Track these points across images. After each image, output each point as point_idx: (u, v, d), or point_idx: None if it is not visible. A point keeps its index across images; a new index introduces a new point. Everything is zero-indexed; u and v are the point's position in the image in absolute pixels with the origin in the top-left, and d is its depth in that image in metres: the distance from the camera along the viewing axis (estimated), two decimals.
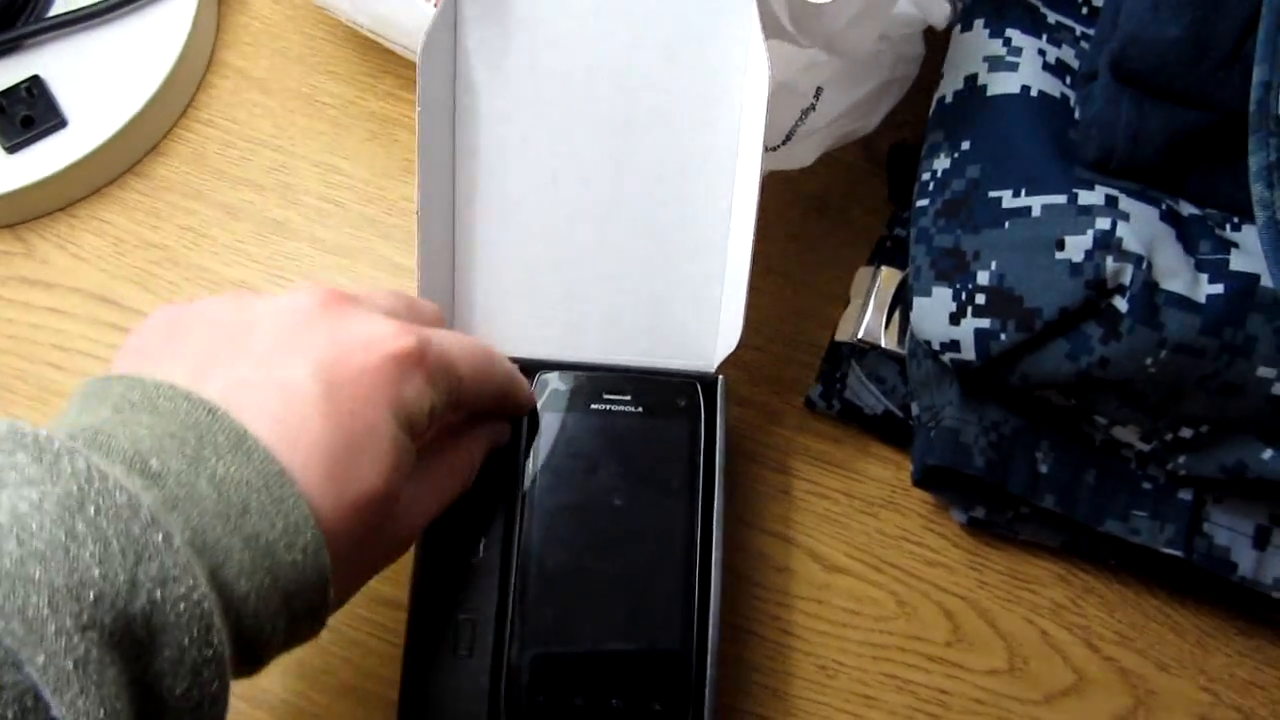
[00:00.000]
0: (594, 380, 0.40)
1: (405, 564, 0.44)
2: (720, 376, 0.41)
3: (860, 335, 0.46)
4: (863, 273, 0.48)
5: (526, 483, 0.39)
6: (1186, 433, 0.40)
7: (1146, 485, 0.43)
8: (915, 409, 0.45)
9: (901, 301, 0.46)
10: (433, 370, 0.31)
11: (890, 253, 0.48)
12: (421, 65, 0.36)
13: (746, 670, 0.44)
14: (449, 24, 0.38)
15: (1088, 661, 0.45)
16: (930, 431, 0.43)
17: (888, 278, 0.47)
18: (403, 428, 0.30)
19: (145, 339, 0.31)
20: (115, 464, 0.25)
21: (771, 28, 0.39)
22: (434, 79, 0.37)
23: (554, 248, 0.41)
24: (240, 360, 0.29)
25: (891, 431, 0.47)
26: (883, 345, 0.46)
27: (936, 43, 0.48)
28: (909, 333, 0.45)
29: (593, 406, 0.40)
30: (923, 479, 0.44)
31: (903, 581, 0.46)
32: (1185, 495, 0.42)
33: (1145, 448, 0.41)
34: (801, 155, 0.46)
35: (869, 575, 0.46)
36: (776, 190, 0.51)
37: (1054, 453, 0.43)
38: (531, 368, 0.40)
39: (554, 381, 0.40)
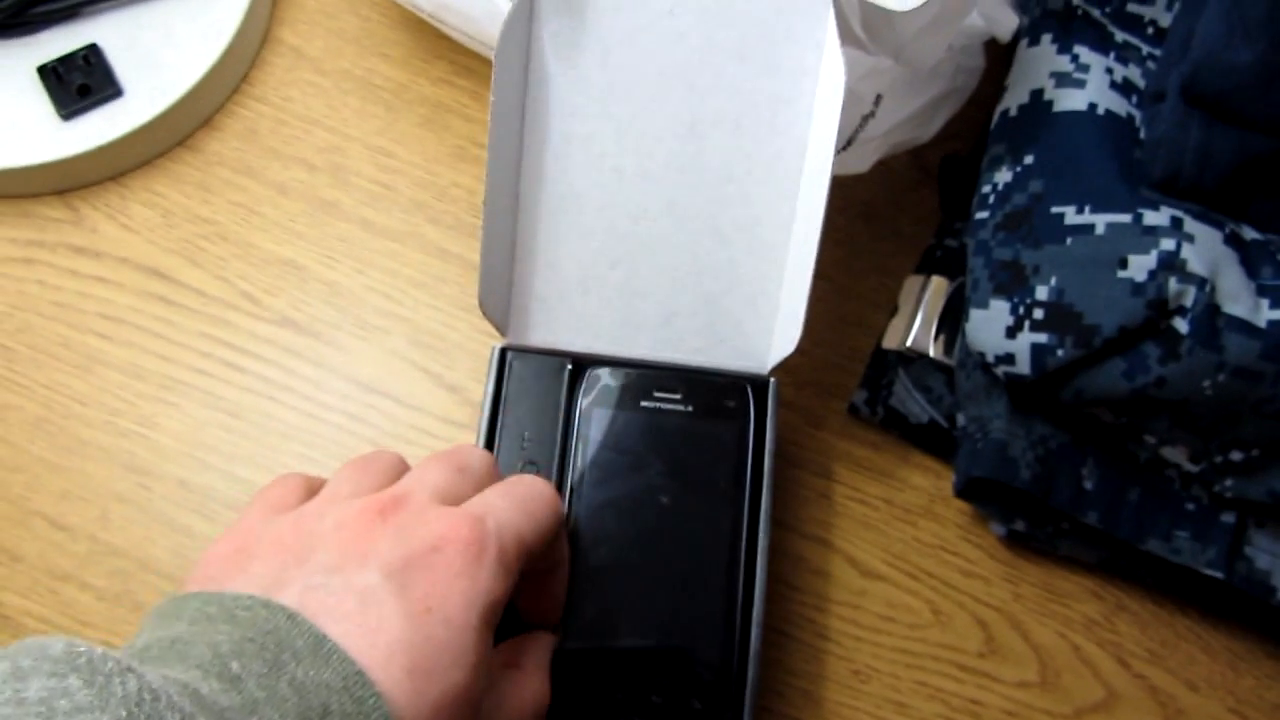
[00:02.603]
0: (645, 377, 0.40)
1: None
2: (772, 379, 0.41)
3: (909, 344, 0.46)
4: (912, 281, 0.48)
5: (574, 477, 0.39)
6: (1237, 456, 0.40)
7: (1189, 506, 0.43)
8: (962, 420, 0.45)
9: (950, 312, 0.47)
10: (503, 554, 0.31)
11: (939, 263, 0.48)
12: (498, 54, 0.36)
13: (781, 672, 0.44)
14: (526, 14, 0.38)
15: (1118, 678, 0.45)
16: (977, 443, 0.43)
17: (938, 287, 0.47)
18: (481, 621, 0.30)
19: (212, 565, 0.31)
20: (192, 669, 0.25)
21: (842, 33, 0.39)
22: (508, 69, 0.37)
23: (614, 243, 0.41)
24: (311, 573, 0.29)
25: (934, 441, 0.47)
26: (931, 355, 0.46)
27: (993, 56, 0.48)
28: (959, 343, 0.45)
29: (643, 404, 0.40)
30: (964, 490, 0.44)
31: (938, 590, 0.46)
32: (1228, 518, 0.42)
33: (1193, 469, 0.41)
34: (858, 162, 0.46)
35: (905, 583, 0.46)
36: None
37: (1099, 469, 0.43)
38: (584, 362, 0.41)
39: (605, 377, 0.40)
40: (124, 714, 0.22)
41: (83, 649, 0.24)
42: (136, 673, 0.23)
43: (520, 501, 0.33)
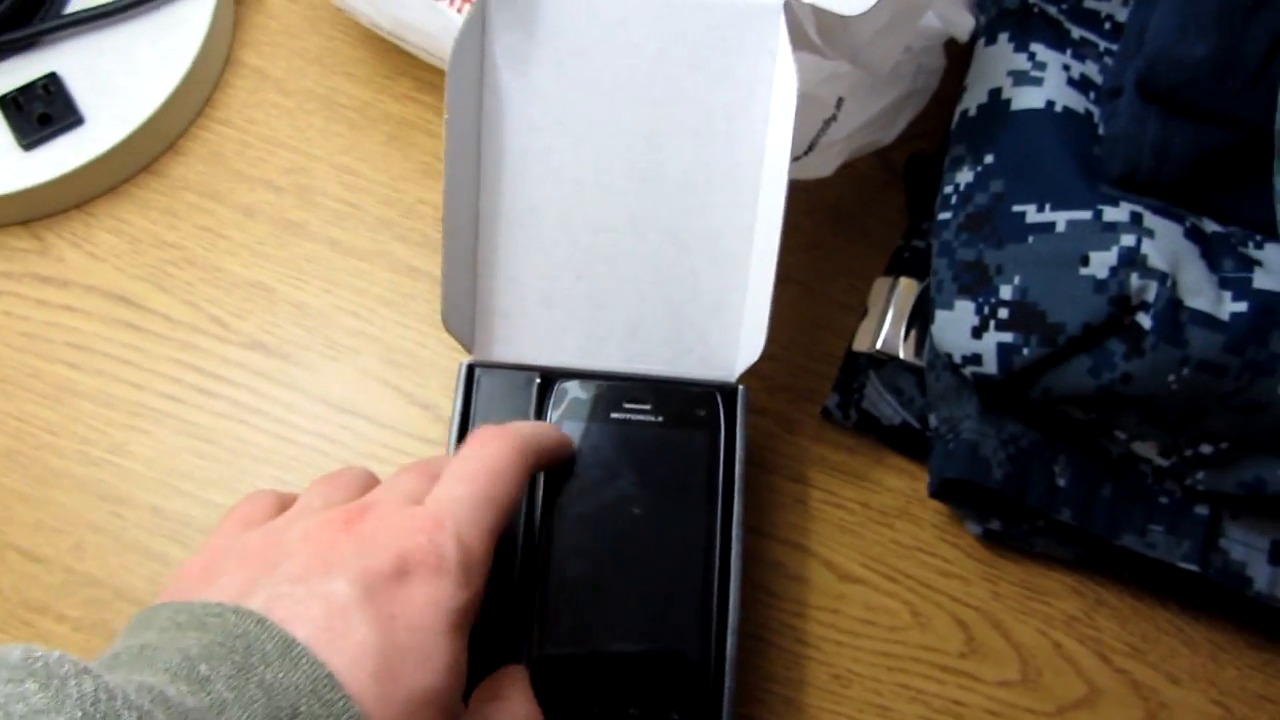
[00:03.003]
0: (614, 389, 0.40)
1: None
2: (741, 386, 0.41)
3: (879, 346, 0.46)
4: (880, 283, 0.48)
5: (546, 491, 0.39)
6: (1206, 449, 0.40)
7: (1163, 500, 0.43)
8: (933, 421, 0.45)
9: (920, 313, 0.47)
10: (466, 559, 0.31)
11: (908, 264, 0.48)
12: (450, 71, 0.36)
13: (761, 679, 0.44)
14: (478, 30, 0.38)
15: (1100, 673, 0.45)
16: (949, 444, 0.43)
17: (906, 288, 0.47)
18: (449, 625, 0.30)
19: (183, 581, 0.31)
20: (160, 673, 0.25)
21: (797, 39, 0.39)
22: (462, 85, 0.37)
23: (577, 256, 0.41)
24: (278, 582, 0.29)
25: (908, 443, 0.47)
26: (901, 356, 0.46)
27: (955, 55, 0.49)
28: (928, 345, 0.45)
29: (613, 415, 0.40)
30: (939, 491, 0.44)
31: (917, 592, 0.46)
32: (1202, 510, 0.42)
33: (1164, 463, 0.41)
34: (822, 166, 0.46)
35: (883, 585, 0.46)
36: (793, 200, 0.50)
37: (1071, 467, 0.43)
38: (552, 376, 0.40)
39: (574, 390, 0.40)
40: (79, 714, 0.22)
41: (39, 654, 0.24)
42: (93, 674, 0.23)
43: (480, 486, 0.33)
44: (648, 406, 0.40)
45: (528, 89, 0.39)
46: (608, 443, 0.39)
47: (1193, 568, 0.42)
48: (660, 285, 0.41)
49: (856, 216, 0.52)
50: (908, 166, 0.51)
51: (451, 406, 0.41)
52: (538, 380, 0.40)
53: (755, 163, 0.40)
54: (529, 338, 0.42)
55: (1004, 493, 0.42)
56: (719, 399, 0.40)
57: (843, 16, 0.38)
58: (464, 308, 0.41)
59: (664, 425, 0.40)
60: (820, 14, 0.38)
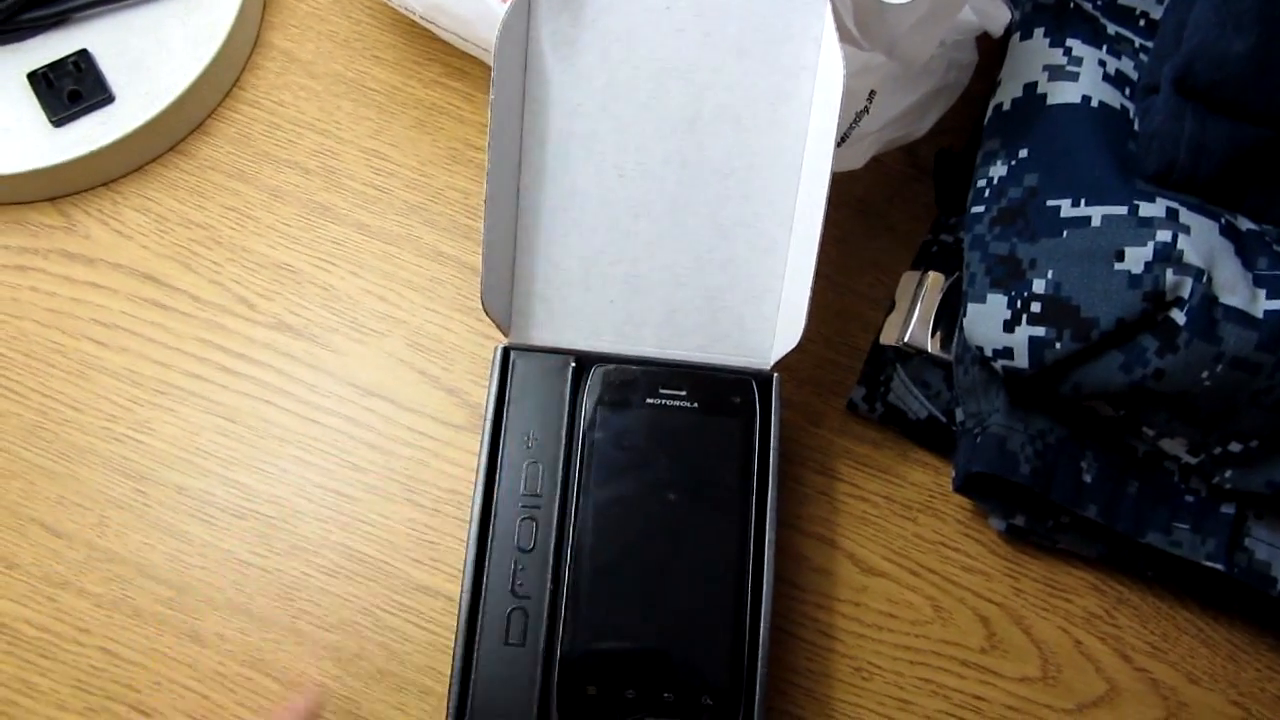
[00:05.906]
0: (650, 375, 0.40)
1: (453, 551, 0.45)
2: (776, 375, 0.41)
3: (906, 339, 0.46)
4: (908, 277, 0.48)
5: (579, 476, 0.39)
6: (1236, 447, 0.40)
7: (1189, 498, 0.43)
8: (960, 415, 0.45)
9: (947, 307, 0.47)
10: None
11: (935, 258, 0.48)
12: (497, 53, 0.36)
13: (784, 670, 0.44)
14: (523, 13, 0.38)
15: (1120, 672, 0.45)
16: (976, 438, 0.43)
17: (934, 283, 0.47)
18: None
19: None
20: None
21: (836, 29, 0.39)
22: (507, 68, 0.37)
23: (616, 240, 0.41)
24: None
25: (933, 436, 0.47)
26: (928, 350, 0.46)
27: (984, 51, 0.49)
28: (956, 338, 0.45)
29: (648, 401, 0.40)
30: (964, 485, 0.44)
31: (940, 586, 0.46)
32: (1227, 509, 0.43)
33: (1192, 460, 0.41)
34: (853, 158, 0.46)
35: (906, 579, 0.46)
36: None
37: (1098, 463, 0.43)
38: (588, 360, 0.40)
39: (609, 375, 0.40)
40: None
41: None
42: None
43: None
44: (683, 393, 0.40)
45: (572, 73, 0.39)
46: (642, 428, 0.39)
47: (1218, 567, 0.42)
48: (698, 270, 0.41)
49: (883, 211, 0.52)
50: (936, 161, 0.51)
51: (480, 391, 0.41)
52: (573, 364, 0.40)
53: (798, 150, 0.40)
54: (565, 321, 0.41)
55: (1030, 488, 0.42)
56: (754, 387, 0.40)
57: (882, 7, 0.38)
58: (502, 290, 0.41)
59: (699, 411, 0.40)
60: (860, 4, 0.38)
